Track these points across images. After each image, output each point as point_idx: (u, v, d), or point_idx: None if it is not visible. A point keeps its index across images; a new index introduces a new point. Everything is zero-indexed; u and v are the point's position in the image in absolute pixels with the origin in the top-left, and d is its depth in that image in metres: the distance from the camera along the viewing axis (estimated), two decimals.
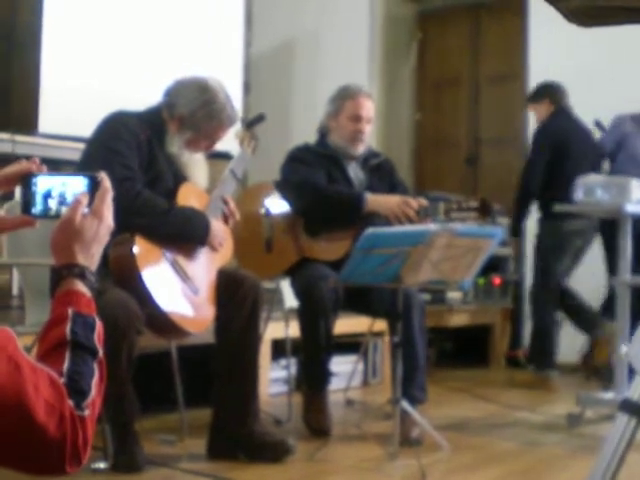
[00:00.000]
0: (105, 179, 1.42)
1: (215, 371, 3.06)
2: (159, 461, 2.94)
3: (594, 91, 5.61)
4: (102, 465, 2.78)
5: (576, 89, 5.72)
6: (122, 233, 2.80)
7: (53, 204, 1.42)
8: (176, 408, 3.40)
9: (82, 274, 1.36)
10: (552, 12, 5.60)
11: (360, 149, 3.70)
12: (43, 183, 1.43)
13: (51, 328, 1.31)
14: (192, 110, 3.01)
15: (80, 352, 1.28)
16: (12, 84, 4.72)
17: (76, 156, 3.08)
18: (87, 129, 3.05)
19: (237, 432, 3.01)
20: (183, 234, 2.94)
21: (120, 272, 2.79)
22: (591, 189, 3.77)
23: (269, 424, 3.49)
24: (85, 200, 1.39)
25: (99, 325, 1.34)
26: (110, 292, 2.68)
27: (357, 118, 3.64)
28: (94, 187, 1.41)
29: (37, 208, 1.43)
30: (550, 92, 5.23)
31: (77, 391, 1.23)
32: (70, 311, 1.31)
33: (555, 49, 5.88)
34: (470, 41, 7.15)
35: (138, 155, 2.91)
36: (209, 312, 3.01)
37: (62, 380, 1.22)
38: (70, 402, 1.21)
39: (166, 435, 3.29)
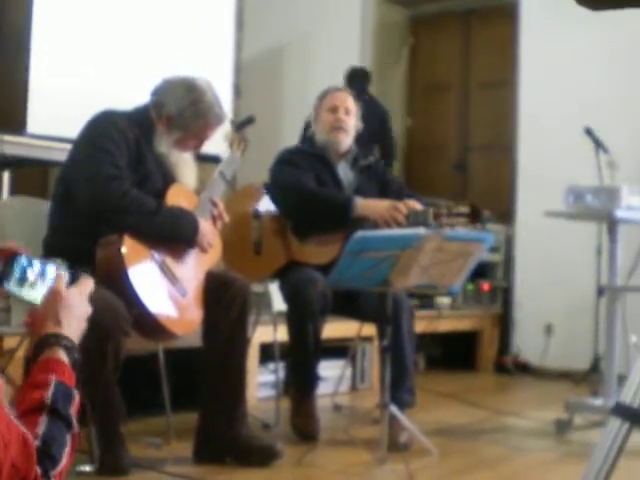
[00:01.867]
0: (85, 276, 1.50)
1: (202, 374, 3.03)
2: (145, 464, 2.91)
3: (585, 97, 5.62)
4: (87, 468, 2.75)
5: (567, 96, 5.73)
6: (110, 233, 2.79)
7: (32, 275, 1.45)
8: (163, 411, 3.38)
9: (68, 347, 1.39)
10: (543, 19, 5.58)
11: (343, 140, 3.68)
12: (24, 262, 1.46)
13: (32, 390, 1.32)
14: (180, 109, 2.99)
15: (57, 420, 1.29)
16: (0, 83, 4.69)
17: (64, 157, 3.05)
18: (76, 130, 3.01)
19: (224, 436, 2.99)
20: (171, 234, 2.92)
21: (107, 272, 2.76)
22: (581, 195, 3.77)
23: (257, 428, 3.46)
24: (65, 277, 1.47)
25: (77, 399, 1.36)
26: (96, 293, 2.64)
27: (334, 108, 3.68)
28: (73, 281, 1.49)
29: (10, 282, 1.44)
30: (346, 79, 6.04)
31: (49, 457, 1.23)
32: (53, 378, 1.33)
33: (546, 56, 5.89)
34: (461, 47, 7.16)
35: (127, 154, 2.89)
36: (196, 314, 2.99)
37: (36, 443, 1.22)
38: (38, 469, 1.20)
39: (152, 438, 3.26)
